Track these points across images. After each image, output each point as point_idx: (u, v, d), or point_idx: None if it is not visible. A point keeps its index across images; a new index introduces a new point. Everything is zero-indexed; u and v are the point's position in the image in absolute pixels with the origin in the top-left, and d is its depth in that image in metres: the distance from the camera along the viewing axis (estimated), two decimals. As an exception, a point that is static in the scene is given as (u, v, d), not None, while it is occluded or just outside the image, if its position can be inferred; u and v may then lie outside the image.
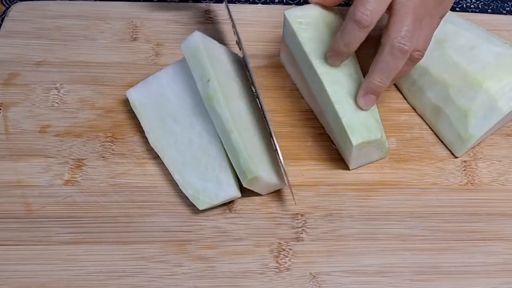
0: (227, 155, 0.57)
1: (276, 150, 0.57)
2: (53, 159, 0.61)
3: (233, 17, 0.65)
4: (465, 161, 0.63)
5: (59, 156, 0.61)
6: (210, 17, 0.73)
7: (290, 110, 0.66)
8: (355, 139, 0.58)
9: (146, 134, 0.61)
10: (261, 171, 0.55)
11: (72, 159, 0.61)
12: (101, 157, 0.61)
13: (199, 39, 0.60)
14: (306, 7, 0.63)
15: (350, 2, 0.73)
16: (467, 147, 0.63)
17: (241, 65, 0.67)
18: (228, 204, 0.59)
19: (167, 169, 0.60)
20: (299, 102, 0.67)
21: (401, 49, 0.55)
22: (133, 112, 0.63)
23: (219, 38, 0.66)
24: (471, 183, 0.62)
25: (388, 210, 0.59)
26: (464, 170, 0.63)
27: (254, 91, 0.63)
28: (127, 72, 0.68)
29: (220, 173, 0.58)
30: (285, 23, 0.64)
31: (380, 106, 0.63)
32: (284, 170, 0.56)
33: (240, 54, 0.65)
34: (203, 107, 0.59)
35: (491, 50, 0.63)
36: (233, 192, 0.57)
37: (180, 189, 0.58)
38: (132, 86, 0.64)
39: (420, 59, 0.58)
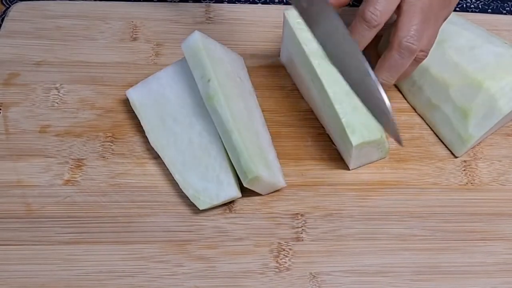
0: (227, 155, 0.57)
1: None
2: (53, 159, 0.61)
3: (233, 16, 0.65)
4: (465, 161, 0.63)
5: (59, 156, 0.61)
6: (210, 17, 0.73)
7: (290, 110, 0.66)
8: (355, 139, 0.58)
9: (146, 134, 0.61)
10: (261, 171, 0.55)
11: (72, 159, 0.61)
12: (101, 157, 0.61)
13: (199, 39, 0.60)
14: (306, 7, 0.63)
15: (355, 3, 0.74)
16: (467, 147, 0.63)
17: (241, 64, 0.67)
18: (228, 204, 0.59)
19: (167, 169, 0.60)
20: (299, 102, 0.67)
21: (410, 48, 0.55)
22: (133, 112, 0.63)
23: (219, 38, 0.66)
24: (471, 183, 0.62)
25: (388, 210, 0.59)
26: (464, 170, 0.63)
27: (254, 90, 0.63)
28: (127, 72, 0.68)
29: (220, 173, 0.58)
30: (285, 23, 0.64)
31: (380, 106, 0.63)
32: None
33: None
34: (203, 107, 0.59)
35: (491, 50, 0.63)
36: (234, 192, 0.57)
37: (180, 189, 0.58)
38: (132, 86, 0.64)
39: (424, 59, 0.59)
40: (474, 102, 0.61)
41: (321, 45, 0.52)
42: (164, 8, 0.74)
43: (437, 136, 0.65)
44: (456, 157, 0.63)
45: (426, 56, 0.58)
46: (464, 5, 0.77)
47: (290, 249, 0.56)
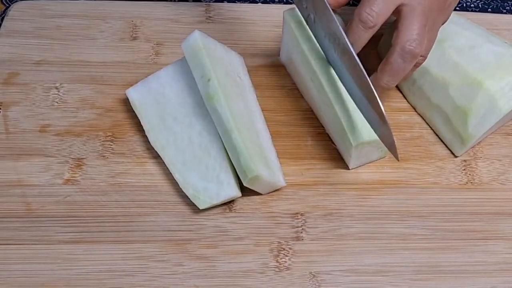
0: (227, 154, 0.57)
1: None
2: (53, 158, 0.61)
3: (233, 16, 0.65)
4: (465, 160, 0.63)
5: (59, 156, 0.61)
6: (210, 17, 0.73)
7: (290, 109, 0.66)
8: (354, 139, 0.58)
9: (146, 133, 0.61)
10: (261, 170, 0.55)
11: (72, 158, 0.61)
12: (101, 157, 0.61)
13: (199, 38, 0.60)
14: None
15: (355, 3, 0.74)
16: (467, 147, 0.63)
17: (241, 64, 0.67)
18: (228, 203, 0.59)
19: (167, 168, 0.60)
20: (299, 102, 0.67)
21: (412, 52, 0.55)
22: (133, 111, 0.63)
23: (219, 37, 0.66)
24: (471, 182, 0.62)
25: (388, 209, 0.59)
26: (464, 170, 0.63)
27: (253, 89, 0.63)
28: (127, 71, 0.68)
29: (220, 173, 0.58)
30: (285, 23, 0.64)
31: (380, 106, 0.63)
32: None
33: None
34: (203, 107, 0.59)
35: (491, 49, 0.63)
36: (234, 191, 0.57)
37: (180, 188, 0.58)
38: (132, 85, 0.64)
39: (422, 63, 0.59)
40: (474, 101, 0.61)
41: (322, 50, 0.52)
42: (164, 7, 0.74)
43: (437, 135, 0.65)
44: (456, 156, 0.63)
45: (424, 60, 0.59)
46: (464, 5, 0.77)
47: (290, 248, 0.56)
